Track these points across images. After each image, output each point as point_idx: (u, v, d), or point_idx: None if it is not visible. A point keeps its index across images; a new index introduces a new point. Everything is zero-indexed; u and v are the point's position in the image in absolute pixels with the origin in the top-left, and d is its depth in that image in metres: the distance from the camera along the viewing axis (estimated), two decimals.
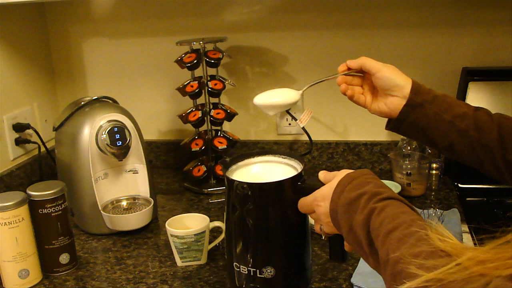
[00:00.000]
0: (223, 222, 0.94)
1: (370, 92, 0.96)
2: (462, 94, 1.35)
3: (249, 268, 0.84)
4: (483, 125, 0.85)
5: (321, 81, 0.95)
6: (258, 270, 0.84)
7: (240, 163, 0.91)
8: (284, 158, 0.90)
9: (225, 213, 0.88)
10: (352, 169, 0.94)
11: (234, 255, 0.86)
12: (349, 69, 0.94)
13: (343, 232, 0.72)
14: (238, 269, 0.86)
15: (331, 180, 0.77)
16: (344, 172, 0.76)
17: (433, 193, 1.36)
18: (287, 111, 1.57)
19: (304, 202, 0.81)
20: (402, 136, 1.28)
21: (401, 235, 0.60)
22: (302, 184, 0.81)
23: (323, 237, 0.80)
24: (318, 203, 0.77)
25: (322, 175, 0.80)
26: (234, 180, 0.82)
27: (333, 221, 0.74)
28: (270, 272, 0.83)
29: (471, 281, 0.49)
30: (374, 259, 0.65)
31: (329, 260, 0.93)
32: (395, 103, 0.90)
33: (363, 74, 0.95)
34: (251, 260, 0.84)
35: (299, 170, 0.86)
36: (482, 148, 0.85)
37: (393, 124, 0.92)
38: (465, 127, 0.85)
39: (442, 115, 0.87)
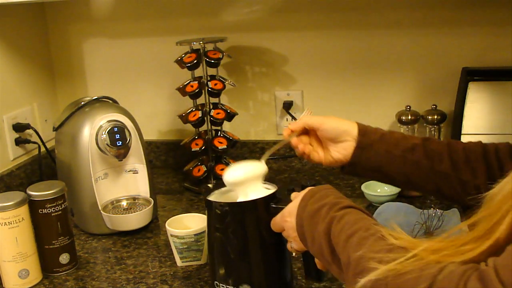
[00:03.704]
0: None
1: (320, 147, 0.97)
2: (462, 94, 1.35)
3: (227, 287, 0.87)
4: (433, 153, 0.88)
5: (276, 149, 0.95)
6: None
7: (222, 189, 0.94)
8: (264, 183, 0.92)
9: (206, 234, 0.91)
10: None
11: (217, 275, 0.89)
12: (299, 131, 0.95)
13: (308, 244, 0.75)
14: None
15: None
16: (308, 189, 0.80)
17: None
18: (288, 112, 1.58)
19: (274, 220, 0.84)
20: None
21: (360, 238, 0.63)
22: (274, 205, 0.85)
23: (294, 254, 0.84)
24: (286, 219, 0.80)
25: (294, 194, 0.83)
26: (211, 201, 0.87)
27: (299, 236, 0.76)
28: None
29: (426, 268, 0.53)
30: (336, 265, 0.68)
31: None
32: (348, 147, 0.92)
33: (308, 133, 0.97)
34: (229, 279, 0.87)
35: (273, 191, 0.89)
36: (436, 175, 0.88)
37: (347, 168, 0.94)
38: (417, 158, 0.88)
39: (392, 151, 0.89)
